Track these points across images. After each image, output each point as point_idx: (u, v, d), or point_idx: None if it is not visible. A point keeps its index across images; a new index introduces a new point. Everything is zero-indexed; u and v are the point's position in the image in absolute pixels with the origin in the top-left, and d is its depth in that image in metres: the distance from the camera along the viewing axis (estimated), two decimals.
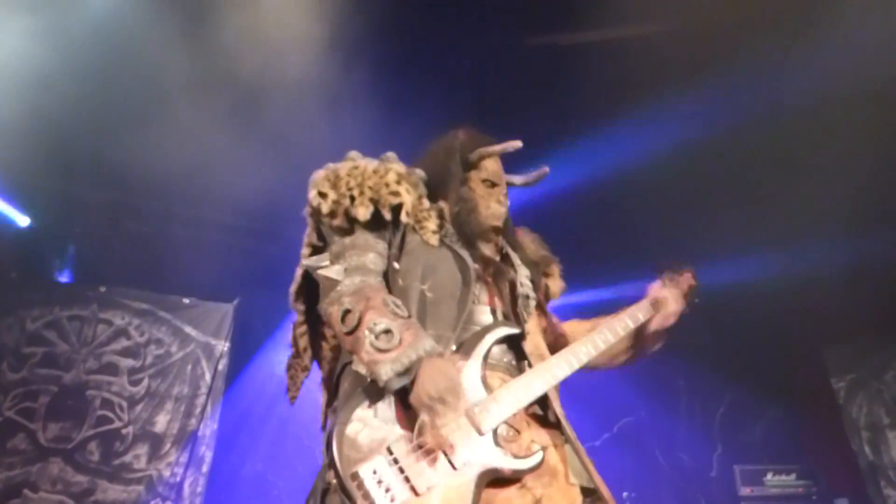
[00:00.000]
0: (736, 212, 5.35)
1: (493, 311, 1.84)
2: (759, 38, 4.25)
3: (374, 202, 1.78)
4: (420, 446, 1.48)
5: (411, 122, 3.72)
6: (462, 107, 4.23)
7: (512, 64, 4.71)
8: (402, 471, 1.45)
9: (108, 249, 5.95)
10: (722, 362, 6.17)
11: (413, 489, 1.44)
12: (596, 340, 1.85)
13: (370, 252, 1.77)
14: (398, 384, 1.49)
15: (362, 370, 1.61)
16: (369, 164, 1.85)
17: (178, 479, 4.80)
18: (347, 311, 1.60)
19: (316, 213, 1.82)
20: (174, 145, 5.04)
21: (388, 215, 1.79)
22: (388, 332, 1.53)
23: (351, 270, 1.72)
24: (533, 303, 1.94)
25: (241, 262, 6.32)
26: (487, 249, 1.94)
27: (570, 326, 2.15)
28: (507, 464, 1.54)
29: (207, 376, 5.12)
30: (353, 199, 1.77)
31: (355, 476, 1.43)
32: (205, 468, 4.90)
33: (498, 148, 1.97)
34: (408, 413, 1.52)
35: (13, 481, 4.49)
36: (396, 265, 1.79)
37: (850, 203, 4.67)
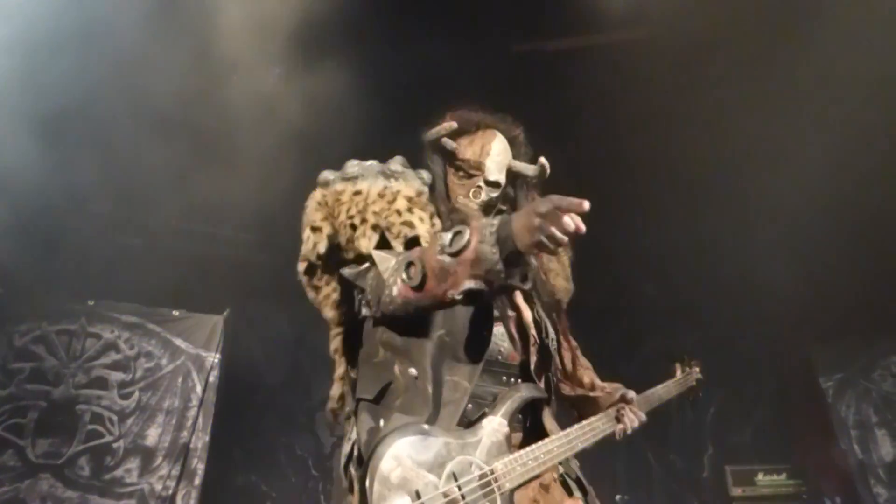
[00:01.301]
0: (723, 213, 5.40)
1: (512, 364, 1.69)
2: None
3: (380, 230, 1.59)
4: (444, 496, 1.42)
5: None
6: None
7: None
8: None
9: (96, 263, 5.92)
10: (712, 364, 6.21)
11: None
12: (598, 434, 1.76)
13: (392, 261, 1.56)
14: (508, 250, 1.32)
15: (468, 284, 1.37)
16: (373, 186, 1.63)
17: (170, 492, 4.76)
18: (410, 264, 1.45)
19: (316, 256, 1.63)
20: (161, 155, 5.03)
21: (399, 247, 1.58)
22: (457, 233, 1.37)
23: (389, 274, 1.53)
24: (556, 355, 1.78)
25: (230, 273, 6.30)
26: None
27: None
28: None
29: (199, 388, 5.09)
30: (354, 227, 1.59)
31: None
32: (197, 481, 4.87)
33: (433, 131, 1.74)
34: (439, 462, 1.45)
35: (2, 499, 4.45)
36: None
37: (838, 205, 4.72)
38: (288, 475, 6.50)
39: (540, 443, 1.57)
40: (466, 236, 1.34)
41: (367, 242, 1.58)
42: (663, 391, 2.18)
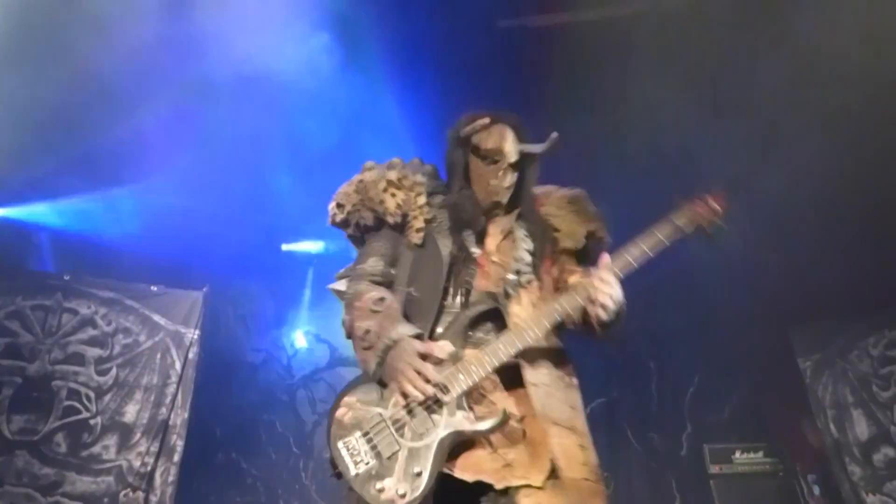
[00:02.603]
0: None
1: (467, 293, 1.97)
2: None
3: (373, 210, 2.07)
4: (391, 419, 1.76)
5: None
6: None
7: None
8: (370, 441, 1.75)
9: (71, 237, 5.83)
10: (691, 344, 6.27)
11: (378, 455, 1.73)
12: (553, 313, 1.87)
13: (371, 256, 2.05)
14: (378, 372, 1.81)
15: (361, 367, 1.87)
16: (372, 175, 2.09)
17: (148, 468, 4.72)
18: (343, 322, 1.95)
19: (332, 223, 2.14)
20: (142, 128, 4.94)
21: (388, 221, 2.05)
22: (368, 331, 1.83)
23: (352, 280, 2.04)
24: (526, 277, 2.00)
25: (209, 249, 6.23)
26: (495, 227, 2.08)
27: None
28: (467, 426, 1.73)
29: (178, 365, 5.04)
30: (358, 210, 2.07)
31: (336, 448, 1.76)
32: (176, 457, 4.83)
33: (468, 128, 2.05)
34: (384, 397, 1.81)
35: None
36: (393, 271, 2.04)
37: (818, 185, 4.73)
38: (269, 452, 6.49)
39: (478, 350, 1.82)
40: (373, 336, 1.82)
41: (367, 218, 2.08)
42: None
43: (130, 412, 4.83)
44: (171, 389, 4.95)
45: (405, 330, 1.80)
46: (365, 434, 1.75)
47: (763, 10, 4.32)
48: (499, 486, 1.71)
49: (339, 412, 1.79)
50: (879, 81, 4.12)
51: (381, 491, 1.67)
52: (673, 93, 4.44)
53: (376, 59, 4.84)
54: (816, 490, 5.59)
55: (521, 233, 2.08)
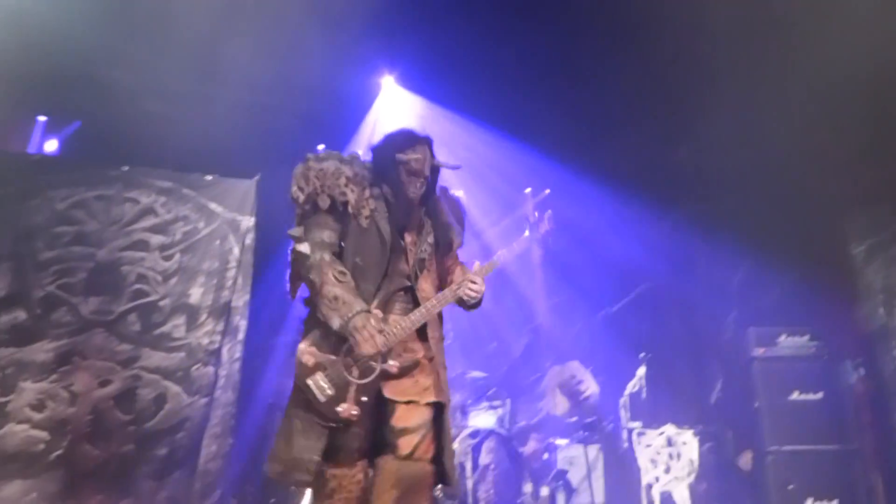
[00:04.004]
0: (760, 77, 5.21)
1: (400, 272, 2.67)
2: None
3: (331, 197, 2.63)
4: (344, 363, 2.45)
5: None
6: None
7: None
8: (329, 377, 2.44)
9: (126, 129, 5.97)
10: (741, 228, 6.19)
11: (336, 386, 2.43)
12: (447, 298, 2.65)
13: (326, 230, 2.62)
14: (342, 329, 2.41)
15: (321, 317, 2.47)
16: (330, 165, 2.67)
17: (216, 345, 5.05)
18: (313, 282, 2.50)
19: (294, 200, 2.67)
20: (188, 22, 4.92)
21: (340, 207, 2.64)
22: (335, 297, 2.44)
23: (314, 246, 2.57)
24: (428, 261, 2.77)
25: (260, 139, 6.32)
26: (413, 221, 2.76)
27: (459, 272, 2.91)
28: (393, 369, 2.48)
29: (236, 250, 5.25)
30: (317, 193, 2.62)
31: (306, 385, 2.45)
32: (240, 336, 5.15)
33: (404, 157, 2.70)
34: (338, 346, 2.47)
35: (62, 350, 4.77)
36: (343, 244, 2.64)
37: (874, 70, 4.51)
38: None
39: (402, 317, 2.57)
40: (339, 303, 2.44)
41: (323, 202, 2.63)
42: (502, 253, 2.89)
43: (195, 294, 5.11)
44: (230, 273, 5.20)
45: (361, 305, 2.45)
46: (325, 372, 2.44)
47: None
48: (422, 402, 2.55)
49: (304, 358, 2.47)
50: None
51: (339, 412, 2.39)
52: None
53: None
54: (860, 373, 5.65)
55: (428, 226, 2.80)
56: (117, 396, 4.77)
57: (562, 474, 5.53)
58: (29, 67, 5.38)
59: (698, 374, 6.68)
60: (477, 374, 5.91)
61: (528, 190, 6.96)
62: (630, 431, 5.70)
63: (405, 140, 2.77)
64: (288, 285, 2.76)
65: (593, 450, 5.86)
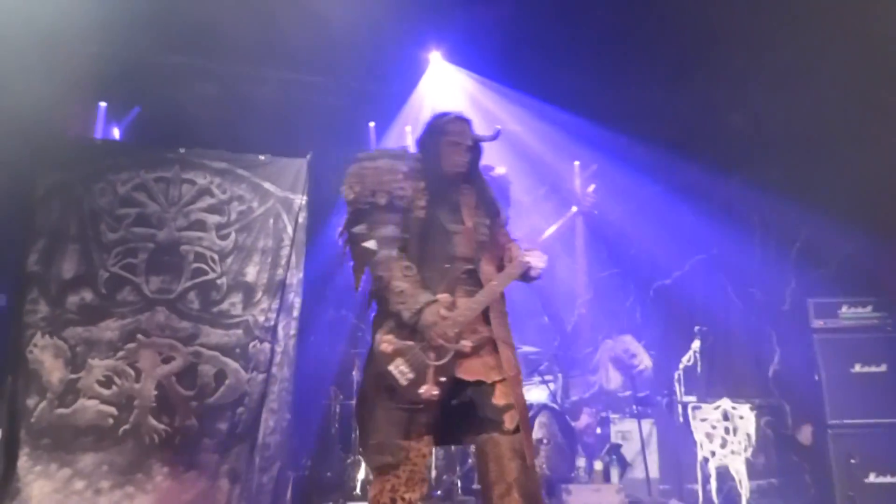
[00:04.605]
0: (816, 37, 5.01)
1: (463, 256, 2.75)
2: None
3: (389, 193, 2.69)
4: (421, 347, 2.55)
5: None
6: None
7: None
8: (410, 362, 2.54)
9: (180, 112, 6.11)
10: (799, 195, 6.00)
11: (416, 370, 2.53)
12: (510, 275, 2.79)
13: (389, 225, 2.69)
14: (412, 320, 2.54)
15: (392, 310, 2.59)
16: (384, 163, 2.76)
17: (272, 322, 5.17)
18: (380, 277, 2.63)
19: (347, 200, 2.74)
20: (238, 3, 4.99)
21: (398, 202, 2.70)
22: (401, 291, 2.58)
23: (379, 242, 2.66)
24: (485, 242, 2.85)
25: (309, 118, 6.40)
26: (465, 202, 2.84)
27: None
28: (463, 347, 2.58)
29: (289, 229, 5.34)
30: (374, 191, 2.69)
31: (388, 371, 2.54)
32: (295, 313, 5.25)
33: (443, 120, 2.88)
34: (412, 335, 2.57)
35: (127, 328, 4.96)
36: (407, 235, 2.71)
37: None
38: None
39: (468, 299, 2.67)
40: (406, 296, 2.57)
41: (382, 199, 2.69)
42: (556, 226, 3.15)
43: (251, 273, 5.23)
44: (285, 252, 5.30)
45: (427, 297, 2.58)
46: (404, 358, 2.55)
47: None
48: (488, 381, 2.65)
49: (383, 346, 2.57)
50: None
51: (420, 393, 2.51)
52: None
53: None
54: None
55: (481, 207, 2.89)
56: (179, 373, 4.94)
57: (615, 448, 5.52)
58: (88, 55, 5.56)
59: (756, 348, 6.56)
60: (528, 348, 5.92)
61: (577, 163, 6.90)
62: (685, 406, 5.64)
63: (443, 117, 2.93)
64: (353, 277, 2.84)
65: (647, 424, 5.83)
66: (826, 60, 5.34)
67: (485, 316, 2.74)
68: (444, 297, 2.62)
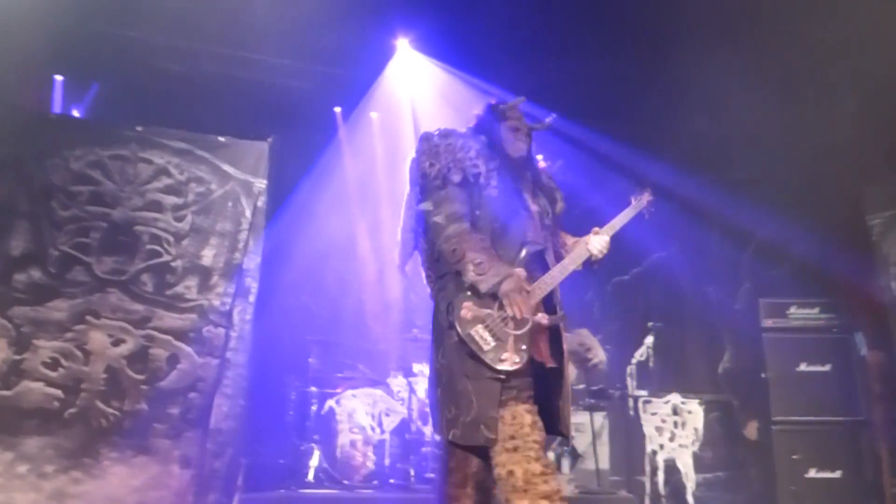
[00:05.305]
0: (777, 45, 5.11)
1: (533, 239, 2.82)
2: None
3: (462, 170, 2.77)
4: (500, 318, 2.57)
5: None
6: None
7: None
8: (490, 329, 2.56)
9: (140, 90, 5.97)
10: (755, 199, 6.14)
11: (497, 338, 2.56)
12: (578, 258, 2.91)
13: (457, 202, 2.74)
14: (493, 290, 2.56)
15: (466, 282, 2.61)
16: (457, 140, 2.84)
17: (227, 307, 5.09)
18: (454, 250, 2.64)
19: (424, 176, 2.81)
20: None
21: (471, 179, 2.78)
22: (480, 263, 2.58)
23: (450, 217, 2.70)
24: (550, 225, 2.96)
25: (272, 101, 6.31)
26: (528, 186, 2.92)
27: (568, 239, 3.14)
28: (541, 319, 2.66)
29: (248, 213, 5.26)
30: (449, 168, 2.77)
31: (469, 335, 2.56)
32: (251, 298, 5.17)
33: (503, 105, 3.05)
34: (490, 302, 2.59)
35: (76, 309, 4.83)
36: (478, 212, 2.77)
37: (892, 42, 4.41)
38: (336, 298, 6.90)
39: (546, 274, 2.76)
40: (485, 267, 2.59)
41: (456, 176, 2.77)
42: (621, 217, 3.21)
43: (208, 256, 5.13)
44: (242, 235, 5.21)
45: (506, 268, 2.60)
46: (485, 325, 2.57)
47: None
48: (548, 364, 2.73)
49: (463, 312, 2.58)
50: None
51: (503, 360, 2.52)
52: None
53: None
54: (872, 346, 5.65)
55: (539, 194, 2.97)
56: (130, 356, 4.83)
57: (567, 440, 5.59)
58: (44, 27, 5.38)
59: (707, 345, 6.71)
60: None
61: (540, 157, 6.93)
62: (636, 399, 5.75)
63: (502, 104, 3.05)
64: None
65: (599, 417, 5.92)
66: (786, 69, 5.45)
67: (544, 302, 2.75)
68: (520, 270, 2.64)
